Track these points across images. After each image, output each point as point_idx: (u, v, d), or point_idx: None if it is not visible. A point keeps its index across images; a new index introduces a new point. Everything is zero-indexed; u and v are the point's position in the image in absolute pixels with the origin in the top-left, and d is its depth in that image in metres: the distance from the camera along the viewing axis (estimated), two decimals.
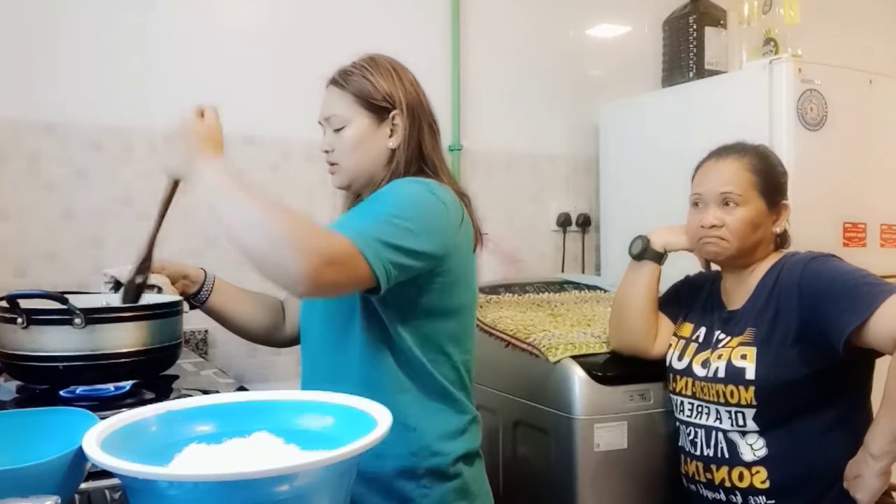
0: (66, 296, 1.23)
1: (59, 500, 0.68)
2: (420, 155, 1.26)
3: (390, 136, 1.25)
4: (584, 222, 2.63)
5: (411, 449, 1.18)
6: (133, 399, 1.25)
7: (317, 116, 1.31)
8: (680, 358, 1.53)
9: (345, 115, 1.25)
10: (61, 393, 1.24)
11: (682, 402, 1.51)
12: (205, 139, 1.08)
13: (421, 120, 1.27)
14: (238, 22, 2.11)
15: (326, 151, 1.28)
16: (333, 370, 1.24)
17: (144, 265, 1.29)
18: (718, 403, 1.42)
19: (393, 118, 1.25)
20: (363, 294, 1.13)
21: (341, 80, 1.27)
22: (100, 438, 0.71)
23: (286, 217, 0.99)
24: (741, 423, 1.40)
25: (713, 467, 1.43)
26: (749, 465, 1.39)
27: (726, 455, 1.42)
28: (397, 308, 1.16)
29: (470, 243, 1.26)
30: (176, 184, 1.18)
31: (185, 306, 1.40)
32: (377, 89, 1.24)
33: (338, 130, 1.26)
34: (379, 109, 1.25)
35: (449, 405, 1.23)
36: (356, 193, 1.32)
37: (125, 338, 1.24)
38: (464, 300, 1.24)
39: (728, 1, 2.44)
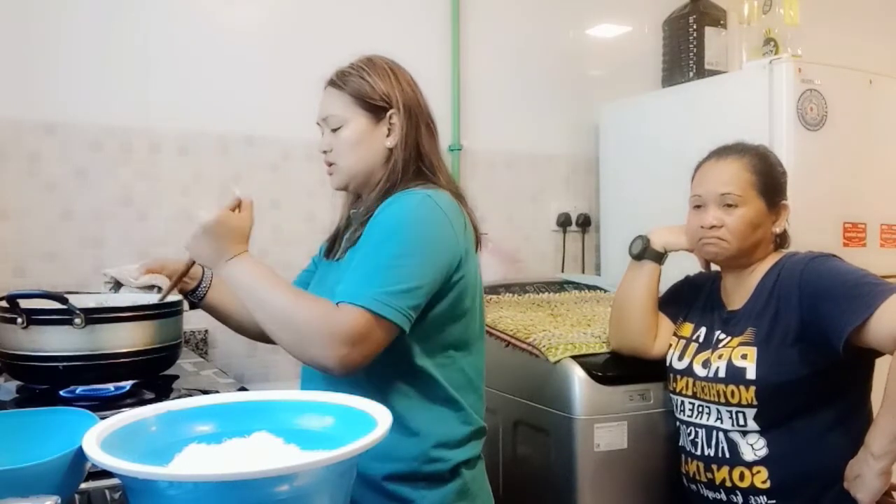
0: (66, 296, 1.23)
1: (59, 500, 0.68)
2: (418, 155, 1.26)
3: (388, 136, 1.25)
4: (584, 222, 2.63)
5: (412, 454, 1.17)
6: (133, 399, 1.26)
7: (316, 117, 1.31)
8: (680, 358, 1.53)
9: (342, 115, 1.25)
10: (61, 393, 1.24)
11: (682, 402, 1.51)
12: (234, 235, 1.15)
13: (418, 119, 1.27)
14: (238, 22, 2.11)
15: (325, 152, 1.28)
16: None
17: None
18: (719, 403, 1.42)
19: (390, 118, 1.25)
20: None
21: (339, 80, 1.27)
22: (100, 438, 0.71)
23: (308, 310, 1.09)
24: (742, 422, 1.40)
25: (714, 467, 1.43)
26: (750, 465, 1.39)
27: (727, 455, 1.42)
28: None
29: (473, 245, 1.26)
30: (193, 262, 1.27)
31: (185, 305, 1.40)
32: (374, 89, 1.24)
33: (335, 130, 1.26)
34: (376, 109, 1.25)
35: (454, 412, 1.21)
36: (355, 193, 1.32)
37: (125, 338, 1.24)
38: (470, 304, 1.23)
39: (728, 1, 2.44)
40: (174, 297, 1.36)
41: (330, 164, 1.28)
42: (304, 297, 1.12)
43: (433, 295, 1.15)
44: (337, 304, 1.08)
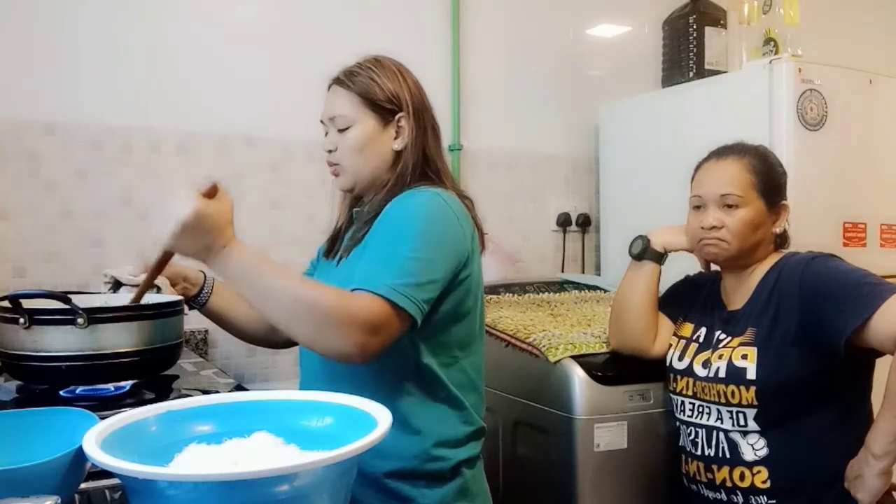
0: (68, 296, 1.23)
1: (59, 500, 0.68)
2: (424, 158, 1.26)
3: (395, 139, 1.25)
4: (584, 222, 2.63)
5: (413, 452, 1.18)
6: (133, 399, 1.25)
7: (317, 116, 1.31)
8: (680, 358, 1.53)
9: (350, 116, 1.24)
10: (61, 393, 1.24)
11: (682, 403, 1.51)
12: (218, 224, 1.00)
13: (425, 122, 1.27)
14: (238, 22, 2.11)
15: (329, 151, 1.27)
16: (335, 373, 1.23)
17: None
18: (719, 403, 1.42)
19: (398, 120, 1.25)
20: None
21: (346, 80, 1.26)
22: (100, 438, 0.71)
23: (322, 297, 1.03)
24: (742, 423, 1.40)
25: (714, 467, 1.43)
26: (750, 465, 1.39)
27: (727, 455, 1.42)
28: None
29: (478, 248, 1.26)
30: (170, 255, 1.09)
31: (185, 308, 1.40)
32: (383, 90, 1.24)
33: (342, 131, 1.25)
34: (384, 111, 1.24)
35: (456, 412, 1.22)
36: (358, 195, 1.32)
37: (126, 338, 1.23)
38: (473, 303, 1.24)
39: (728, 1, 2.44)
40: (174, 297, 1.36)
41: (334, 165, 1.28)
42: (315, 284, 1.07)
43: (440, 293, 1.15)
44: (353, 290, 1.06)
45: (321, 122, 1.30)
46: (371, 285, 1.06)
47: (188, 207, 0.97)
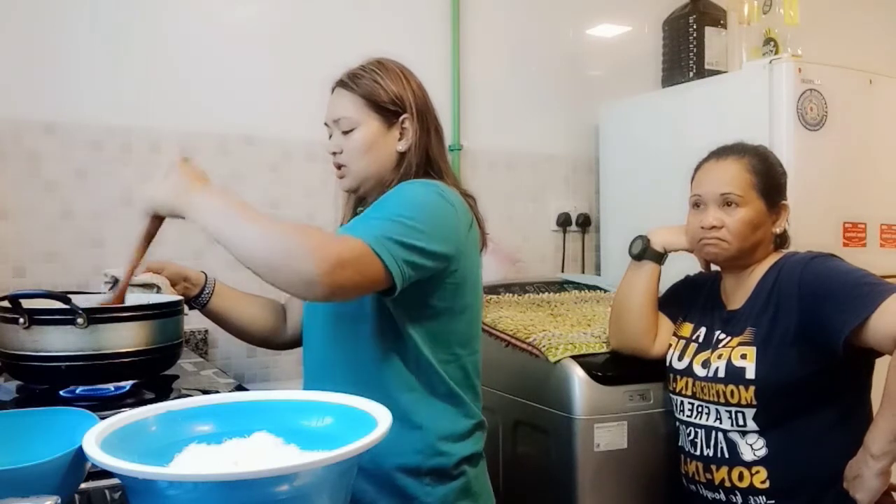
0: (68, 296, 1.23)
1: (59, 500, 0.68)
2: (427, 159, 1.27)
3: (399, 140, 1.26)
4: (584, 222, 2.64)
5: (416, 447, 1.19)
6: (133, 399, 1.25)
7: (317, 117, 1.31)
8: (680, 358, 1.53)
9: (355, 118, 1.25)
10: (61, 393, 1.24)
11: (682, 402, 1.51)
12: (191, 176, 1.09)
13: (429, 124, 1.28)
14: (239, 22, 2.11)
15: (334, 153, 1.28)
16: (338, 369, 1.24)
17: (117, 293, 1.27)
18: (718, 403, 1.42)
19: (402, 122, 1.26)
20: (377, 295, 1.13)
21: (350, 82, 1.27)
22: (100, 438, 0.71)
23: (293, 226, 1.02)
24: (741, 422, 1.40)
25: (713, 467, 1.43)
26: (749, 465, 1.39)
27: (726, 455, 1.42)
28: (408, 308, 1.16)
29: (478, 244, 1.27)
30: (160, 219, 1.14)
31: (185, 308, 1.40)
32: (387, 92, 1.25)
33: (346, 133, 1.26)
34: (388, 113, 1.25)
35: (456, 407, 1.23)
36: (361, 196, 1.32)
37: (126, 338, 1.23)
38: (471, 300, 1.25)
39: (728, 1, 2.44)
40: (174, 297, 1.36)
41: (340, 167, 1.28)
42: (294, 222, 1.05)
43: (433, 284, 1.16)
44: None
45: (325, 124, 1.30)
46: (354, 232, 1.06)
47: (170, 166, 1.10)
